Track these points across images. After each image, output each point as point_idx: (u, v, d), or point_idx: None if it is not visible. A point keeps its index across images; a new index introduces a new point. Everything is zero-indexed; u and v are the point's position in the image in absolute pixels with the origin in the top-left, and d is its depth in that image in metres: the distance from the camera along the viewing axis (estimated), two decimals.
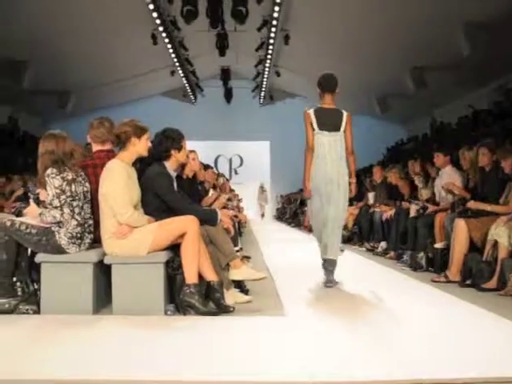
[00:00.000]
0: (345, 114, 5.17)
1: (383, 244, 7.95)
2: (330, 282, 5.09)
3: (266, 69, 19.30)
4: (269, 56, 17.86)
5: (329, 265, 5.14)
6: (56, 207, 3.96)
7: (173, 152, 4.32)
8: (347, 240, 9.83)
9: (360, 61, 16.35)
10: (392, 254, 7.37)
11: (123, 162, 4.03)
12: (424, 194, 7.25)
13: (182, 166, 4.87)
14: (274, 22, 14.91)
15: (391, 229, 7.57)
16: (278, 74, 19.93)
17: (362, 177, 13.05)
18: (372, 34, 14.19)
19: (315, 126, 5.09)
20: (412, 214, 6.97)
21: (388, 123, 22.04)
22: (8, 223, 4.07)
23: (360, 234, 9.25)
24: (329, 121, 5.11)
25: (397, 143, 21.12)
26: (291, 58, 18.34)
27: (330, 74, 5.21)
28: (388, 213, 7.90)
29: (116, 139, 4.06)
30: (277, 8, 13.97)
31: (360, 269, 6.60)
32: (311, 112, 5.14)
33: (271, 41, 16.35)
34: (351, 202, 10.59)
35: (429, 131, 18.44)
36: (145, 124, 4.16)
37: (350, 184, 5.22)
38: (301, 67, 19.51)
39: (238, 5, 13.32)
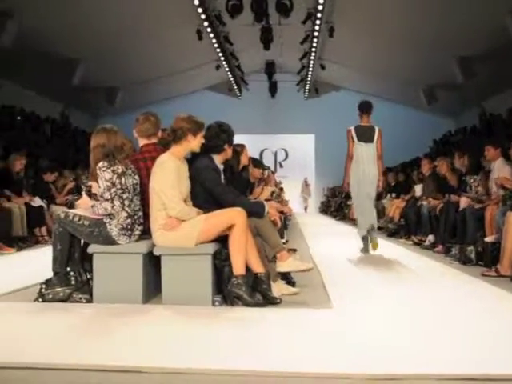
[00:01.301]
0: (377, 129, 6.90)
1: (431, 237, 7.83)
2: (366, 251, 7.09)
3: (311, 62, 19.19)
4: (313, 49, 17.75)
5: (372, 231, 7.03)
6: (107, 200, 4.04)
7: (226, 146, 4.39)
8: (394, 233, 9.73)
9: (406, 52, 16.09)
10: (440, 247, 7.24)
11: (174, 157, 4.08)
12: (479, 191, 7.04)
13: (238, 159, 4.94)
14: (319, 15, 14.82)
15: (439, 222, 7.44)
16: (323, 67, 19.80)
17: (408, 169, 12.86)
18: (418, 24, 13.92)
19: (355, 138, 6.86)
20: (462, 206, 6.83)
21: (435, 115, 21.60)
22: (62, 215, 4.20)
23: (407, 227, 9.12)
24: (365, 135, 6.85)
25: (444, 135, 20.68)
26: (336, 50, 18.21)
27: (367, 101, 7.05)
28: (438, 207, 7.74)
29: (172, 133, 4.09)
30: (321, 0, 13.88)
31: (407, 262, 6.51)
32: (352, 129, 6.93)
33: (316, 33, 16.25)
34: (398, 194, 10.61)
35: (478, 123, 17.97)
36: (202, 120, 4.19)
37: (378, 180, 7.03)
38: (346, 59, 19.35)
39: None
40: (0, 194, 7.87)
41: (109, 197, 4.04)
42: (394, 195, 11.07)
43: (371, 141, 6.83)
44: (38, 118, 15.79)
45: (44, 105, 16.69)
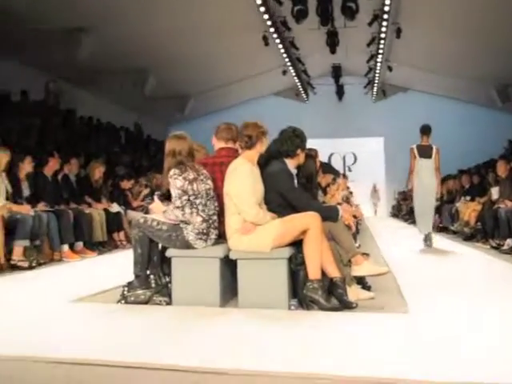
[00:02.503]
0: (434, 148, 8.29)
1: (510, 241, 7.55)
2: (429, 246, 8.20)
3: (378, 64, 18.94)
4: (380, 51, 17.51)
5: (428, 236, 8.31)
6: (178, 207, 4.15)
7: (299, 151, 4.41)
8: (469, 237, 9.46)
9: (477, 50, 15.56)
10: None
11: (249, 161, 4.16)
12: None
13: (315, 165, 4.97)
14: (385, 16, 14.60)
15: None
16: (390, 69, 19.48)
17: (483, 171, 12.46)
18: (489, 21, 13.43)
19: (417, 155, 8.25)
20: None
21: (510, 114, 20.76)
22: (141, 220, 4.34)
23: (484, 230, 8.84)
24: (425, 152, 8.24)
25: None
26: (403, 51, 17.88)
27: (427, 125, 8.34)
28: None
29: (248, 140, 4.18)
30: (388, 1, 13.69)
31: (486, 266, 6.32)
32: (414, 147, 8.33)
33: (382, 35, 16.03)
34: (473, 197, 10.32)
35: None
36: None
37: (436, 193, 8.43)
38: (413, 60, 18.97)
39: (347, 1, 13.26)
40: (81, 200, 8.28)
41: (179, 204, 4.14)
42: (468, 198, 10.75)
43: (430, 157, 8.23)
44: (113, 128, 16.47)
45: (119, 114, 17.37)
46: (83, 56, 12.74)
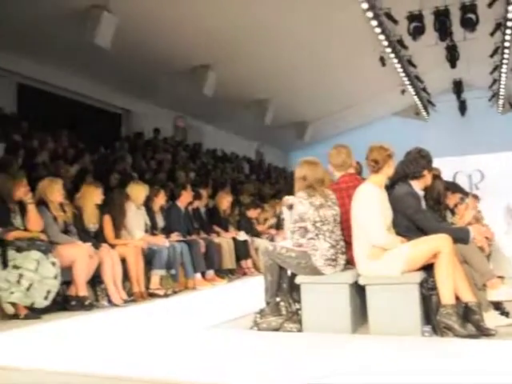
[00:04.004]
0: None
1: None
2: None
3: (503, 74, 18.01)
4: (505, 60, 16.67)
5: None
6: (292, 232, 4.26)
7: (425, 172, 4.35)
8: None
9: None
10: None
11: (376, 185, 4.16)
12: None
13: (443, 185, 4.87)
14: (509, 23, 13.91)
15: None
16: None
17: None
18: None
19: None
20: None
21: None
22: (271, 248, 4.48)
23: None
24: None
25: None
26: None
27: None
28: None
29: (375, 164, 4.18)
30: (511, 8, 13.05)
31: None
32: None
33: (507, 44, 15.27)
34: None
35: None
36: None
37: None
38: None
39: (467, 13, 12.85)
40: (211, 230, 8.67)
41: (292, 229, 4.25)
42: None
43: None
44: (237, 158, 17.14)
45: (241, 145, 18.08)
46: (208, 92, 13.44)
